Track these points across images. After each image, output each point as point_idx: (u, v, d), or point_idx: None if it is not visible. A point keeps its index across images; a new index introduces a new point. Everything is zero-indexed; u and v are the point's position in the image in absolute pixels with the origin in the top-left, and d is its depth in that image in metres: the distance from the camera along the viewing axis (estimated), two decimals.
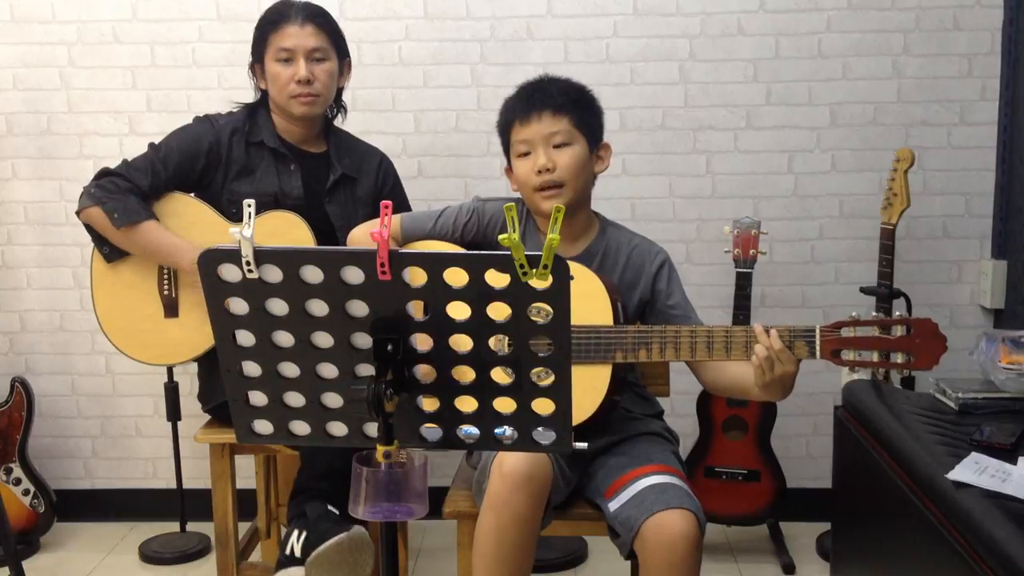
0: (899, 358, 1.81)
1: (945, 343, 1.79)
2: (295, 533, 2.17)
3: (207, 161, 2.46)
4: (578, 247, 2.15)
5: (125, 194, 2.38)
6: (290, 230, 2.41)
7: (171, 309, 2.46)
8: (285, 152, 2.50)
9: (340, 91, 2.58)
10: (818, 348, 1.84)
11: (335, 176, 2.53)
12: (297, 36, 2.41)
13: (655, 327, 1.98)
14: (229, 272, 1.32)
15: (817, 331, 1.84)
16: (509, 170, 2.16)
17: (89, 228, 2.43)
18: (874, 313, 1.87)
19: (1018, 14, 2.97)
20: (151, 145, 2.48)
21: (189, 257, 2.36)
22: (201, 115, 2.53)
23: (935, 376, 2.40)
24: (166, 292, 2.46)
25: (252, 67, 2.53)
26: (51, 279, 3.20)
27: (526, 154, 2.08)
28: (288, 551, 2.16)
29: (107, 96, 3.12)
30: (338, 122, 2.65)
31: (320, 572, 2.07)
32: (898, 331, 1.81)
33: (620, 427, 2.11)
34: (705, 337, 1.93)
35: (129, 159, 2.45)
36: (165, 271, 2.45)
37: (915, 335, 1.80)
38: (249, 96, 2.58)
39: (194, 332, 2.44)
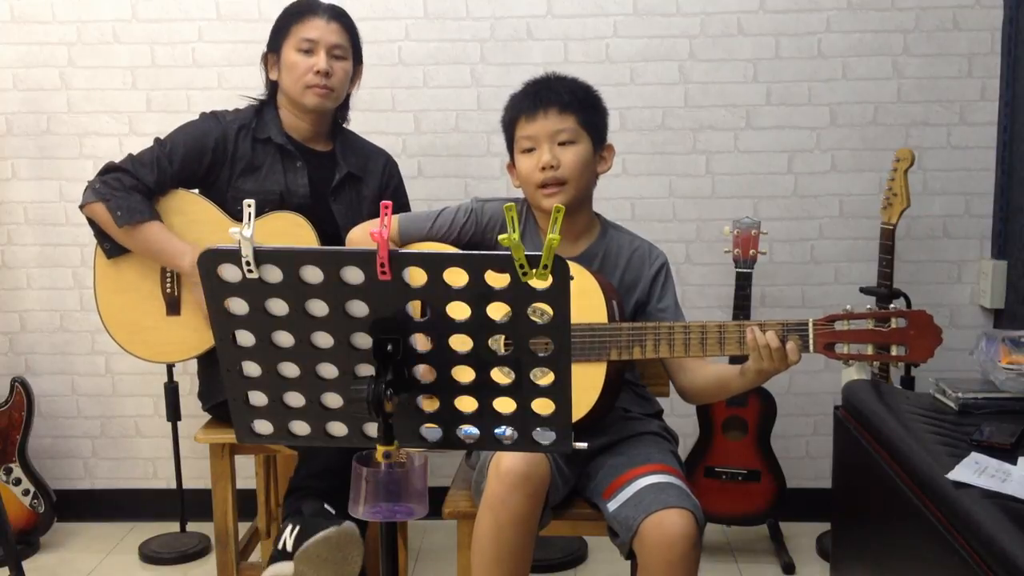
0: (894, 351, 1.81)
1: (940, 334, 1.80)
2: (288, 528, 2.16)
3: (213, 157, 2.45)
4: (579, 247, 2.15)
5: (129, 192, 2.38)
6: (293, 231, 2.41)
7: (173, 307, 2.46)
8: (291, 149, 2.50)
9: (347, 96, 2.58)
10: (811, 342, 1.85)
11: (341, 175, 2.53)
12: (322, 30, 2.44)
13: (648, 324, 1.98)
14: (229, 272, 1.32)
15: (810, 325, 1.85)
16: (511, 166, 2.16)
17: (92, 223, 2.43)
18: (868, 306, 1.87)
19: (1018, 14, 2.97)
20: (156, 140, 2.47)
21: (190, 260, 2.36)
22: (207, 111, 2.53)
23: (935, 376, 2.40)
24: (168, 290, 2.45)
25: (265, 57, 2.53)
26: (51, 279, 3.20)
27: (530, 150, 2.08)
28: (281, 545, 2.14)
29: (107, 96, 3.12)
30: None
31: (308, 566, 2.06)
32: (893, 324, 1.81)
33: (619, 427, 2.11)
34: (699, 333, 1.93)
35: (134, 153, 2.45)
36: (168, 269, 2.45)
37: (910, 327, 1.80)
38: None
39: (196, 330, 2.44)
